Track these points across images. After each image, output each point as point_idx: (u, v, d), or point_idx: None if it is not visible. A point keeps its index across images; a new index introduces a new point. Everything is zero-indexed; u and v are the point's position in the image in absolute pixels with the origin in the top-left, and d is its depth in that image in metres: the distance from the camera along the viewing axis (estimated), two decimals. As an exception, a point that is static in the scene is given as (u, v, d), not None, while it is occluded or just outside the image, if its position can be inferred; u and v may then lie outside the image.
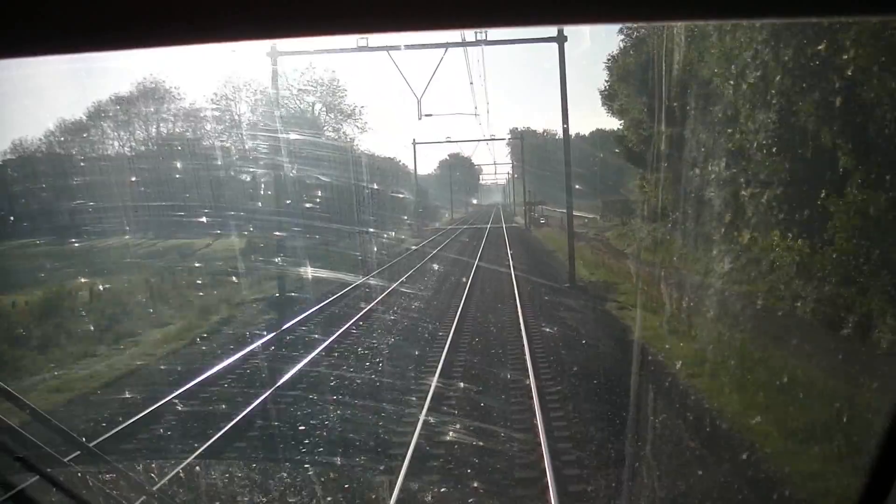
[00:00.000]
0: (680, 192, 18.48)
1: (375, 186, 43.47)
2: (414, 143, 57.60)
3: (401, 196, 54.22)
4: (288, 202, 28.90)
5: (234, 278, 21.97)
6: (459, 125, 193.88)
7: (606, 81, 32.09)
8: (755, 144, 14.10)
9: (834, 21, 9.11)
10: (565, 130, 22.35)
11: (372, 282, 21.61)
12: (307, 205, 31.01)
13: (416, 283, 22.85)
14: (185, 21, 1.25)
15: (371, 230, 36.03)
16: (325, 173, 33.38)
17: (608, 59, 31.25)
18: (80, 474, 2.75)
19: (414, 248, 36.63)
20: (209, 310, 17.30)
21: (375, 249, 32.54)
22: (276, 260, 21.65)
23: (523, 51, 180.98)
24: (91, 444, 5.32)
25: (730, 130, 15.29)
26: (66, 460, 2.48)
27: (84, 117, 42.79)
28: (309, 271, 22.82)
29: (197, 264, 25.81)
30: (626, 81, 26.66)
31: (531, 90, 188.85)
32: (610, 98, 31.63)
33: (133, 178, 33.34)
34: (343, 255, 27.90)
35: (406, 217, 54.09)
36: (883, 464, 1.83)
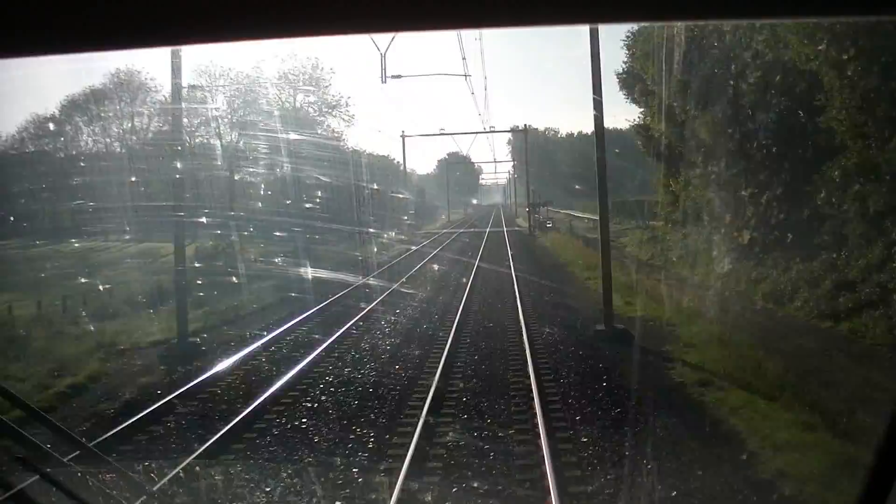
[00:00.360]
0: (730, 190, 14.32)
1: (374, 186, 41.91)
2: (403, 136, 52.70)
3: (395, 196, 51.33)
4: (264, 203, 27.44)
5: (161, 299, 17.24)
6: (452, 115, 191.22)
7: (625, 63, 26.92)
8: (843, 126, 10.57)
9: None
10: (596, 103, 14.09)
11: (331, 311, 16.98)
12: (282, 205, 28.82)
13: (384, 313, 16.88)
14: (186, 21, 1.25)
15: (358, 231, 32.87)
16: (307, 170, 31.35)
17: (627, 36, 25.78)
18: (80, 474, 2.75)
19: (406, 252, 32.57)
20: (70, 364, 12.20)
21: (361, 254, 28.47)
22: (227, 273, 18.55)
23: (521, 51, 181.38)
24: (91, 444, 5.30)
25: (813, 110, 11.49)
26: (66, 460, 2.48)
27: (56, 112, 40.75)
28: (258, 288, 18.92)
29: (136, 276, 21.26)
30: (653, 58, 21.37)
31: (531, 89, 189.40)
32: (630, 82, 26.73)
33: (110, 177, 31.67)
34: (312, 265, 22.75)
35: (403, 218, 51.55)
36: (883, 464, 1.83)
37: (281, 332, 14.61)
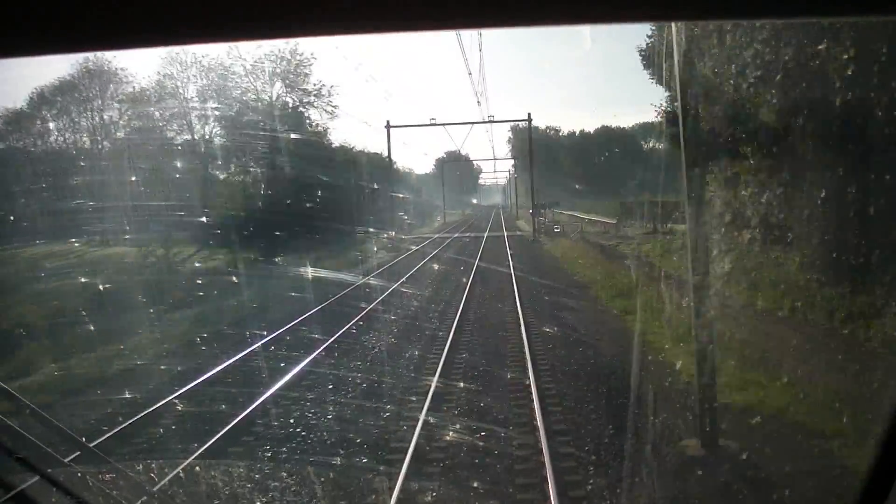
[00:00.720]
0: (804, 188, 10.59)
1: (371, 186, 40.28)
2: (388, 126, 47.76)
3: (391, 196, 47.63)
4: (236, 202, 24.92)
5: (53, 334, 12.92)
6: (452, 115, 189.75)
7: (650, 37, 23.59)
8: None
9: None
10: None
11: (257, 373, 10.80)
12: (254, 205, 26.70)
13: (317, 381, 10.47)
14: (185, 21, 1.25)
15: (348, 234, 30.25)
16: (285, 166, 29.20)
17: None
18: (80, 474, 2.75)
19: (387, 263, 27.47)
20: None
21: (334, 267, 23.80)
22: (149, 293, 15.70)
23: (521, 51, 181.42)
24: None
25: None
26: (66, 460, 2.49)
27: (24, 106, 37.49)
28: (177, 319, 14.82)
29: (51, 296, 16.51)
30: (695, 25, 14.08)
31: (531, 89, 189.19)
32: (656, 59, 22.64)
33: (78, 176, 29.67)
34: (263, 282, 18.44)
35: (402, 217, 49.24)
36: (883, 464, 1.83)
37: (125, 429, 8.32)
